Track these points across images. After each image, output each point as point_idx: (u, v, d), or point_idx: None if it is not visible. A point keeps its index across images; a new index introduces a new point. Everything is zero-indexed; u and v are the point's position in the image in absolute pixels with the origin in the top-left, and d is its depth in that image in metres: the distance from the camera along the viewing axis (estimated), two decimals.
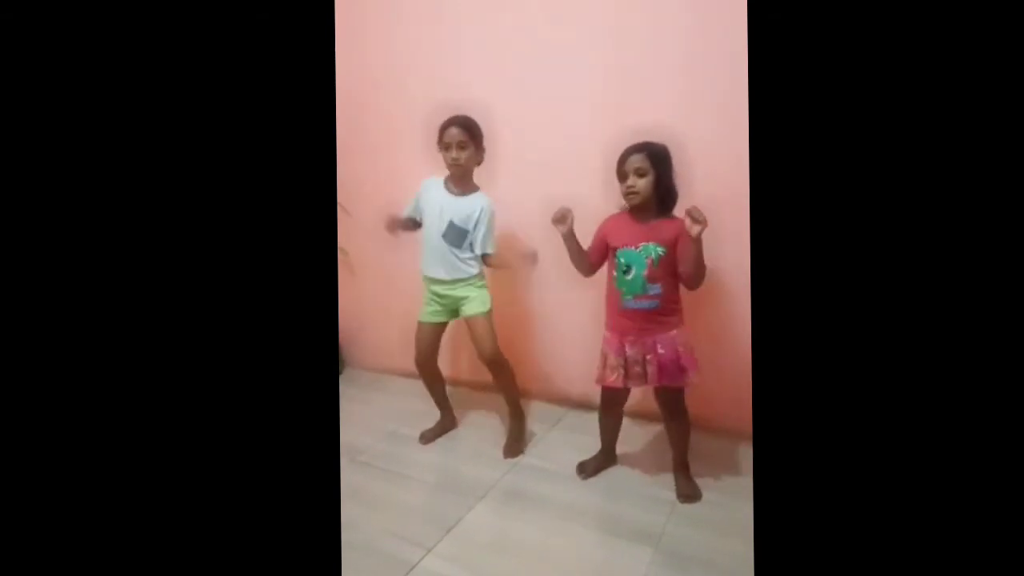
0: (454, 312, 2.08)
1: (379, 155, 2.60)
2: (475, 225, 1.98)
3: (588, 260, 1.82)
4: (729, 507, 1.70)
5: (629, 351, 1.75)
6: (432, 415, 2.25)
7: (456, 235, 1.98)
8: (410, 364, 2.71)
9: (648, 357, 1.73)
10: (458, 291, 2.03)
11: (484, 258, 2.03)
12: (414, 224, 2.08)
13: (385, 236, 2.60)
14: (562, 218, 1.76)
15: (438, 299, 2.06)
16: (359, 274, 2.74)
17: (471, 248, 2.00)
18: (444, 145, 1.95)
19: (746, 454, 1.97)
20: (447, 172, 2.01)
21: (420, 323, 2.11)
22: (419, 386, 2.59)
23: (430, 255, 2.03)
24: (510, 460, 1.99)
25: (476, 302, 2.03)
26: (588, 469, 1.89)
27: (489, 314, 2.05)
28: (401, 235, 2.09)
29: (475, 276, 2.03)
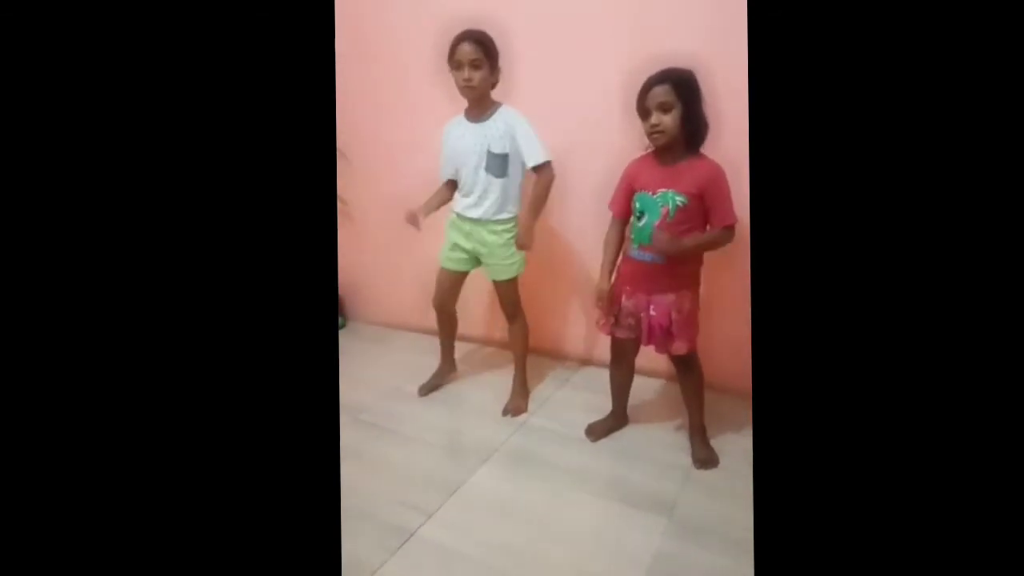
0: (476, 260, 1.93)
1: (379, 94, 2.45)
2: (512, 142, 1.77)
3: (612, 250, 1.70)
4: (748, 475, 1.59)
5: (625, 302, 1.64)
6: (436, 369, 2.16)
7: (497, 163, 1.78)
8: (415, 318, 2.63)
9: (641, 315, 1.62)
10: (488, 236, 1.85)
11: (538, 170, 1.78)
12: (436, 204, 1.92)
13: (388, 183, 2.50)
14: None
15: (463, 241, 1.89)
16: (360, 223, 2.62)
17: (520, 171, 1.81)
18: (455, 64, 1.73)
19: None
20: (453, 105, 1.84)
21: (441, 268, 1.97)
22: (425, 341, 2.51)
23: (469, 195, 1.85)
24: (517, 420, 1.89)
25: (506, 263, 1.88)
26: (597, 431, 1.78)
27: (517, 278, 1.92)
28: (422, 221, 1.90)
29: (511, 221, 1.85)
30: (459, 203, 1.89)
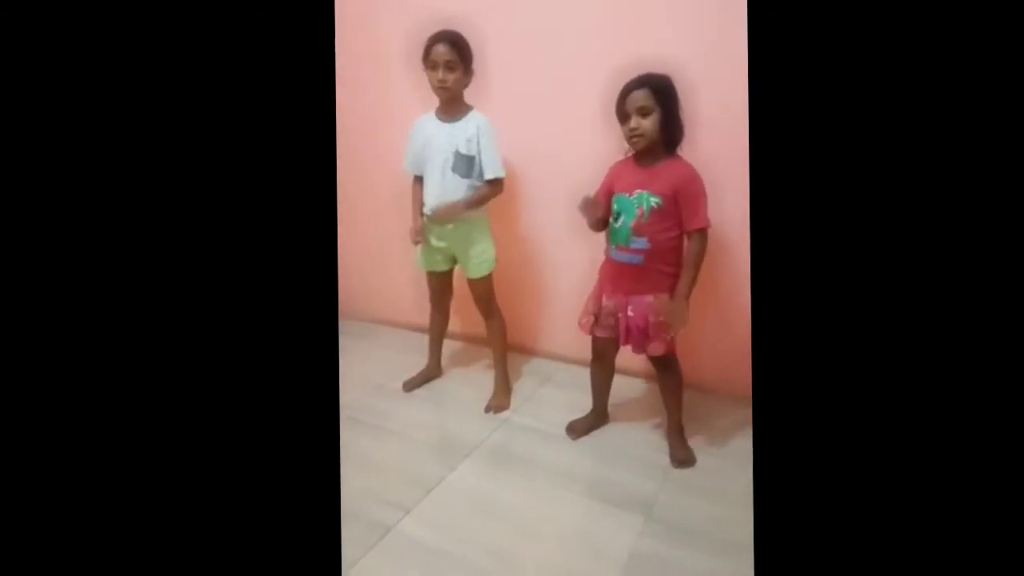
0: (453, 259, 1.95)
1: (368, 91, 2.44)
2: (477, 148, 1.80)
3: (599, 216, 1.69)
4: (727, 474, 1.62)
5: (605, 302, 1.67)
6: (422, 368, 2.17)
7: (464, 164, 1.80)
8: (404, 315, 2.64)
9: (619, 316, 1.64)
10: (460, 235, 1.88)
11: (491, 183, 1.82)
12: None
13: (374, 180, 2.50)
14: (591, 206, 1.63)
15: (436, 241, 1.92)
16: (347, 220, 2.62)
17: (480, 177, 1.83)
18: (430, 64, 1.76)
19: (747, 418, 1.88)
20: (437, 103, 1.85)
21: (427, 272, 2.01)
22: (409, 337, 2.52)
23: (433, 194, 1.86)
24: (498, 417, 1.90)
25: (476, 261, 1.90)
26: (578, 429, 1.80)
27: (490, 275, 1.93)
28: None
29: (479, 221, 1.88)
30: (428, 204, 1.89)
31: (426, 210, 1.90)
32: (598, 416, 1.84)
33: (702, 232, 1.55)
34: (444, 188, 1.83)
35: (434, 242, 1.93)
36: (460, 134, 1.81)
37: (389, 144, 2.40)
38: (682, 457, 1.66)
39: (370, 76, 2.41)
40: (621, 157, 1.67)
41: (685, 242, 1.60)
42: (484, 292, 1.95)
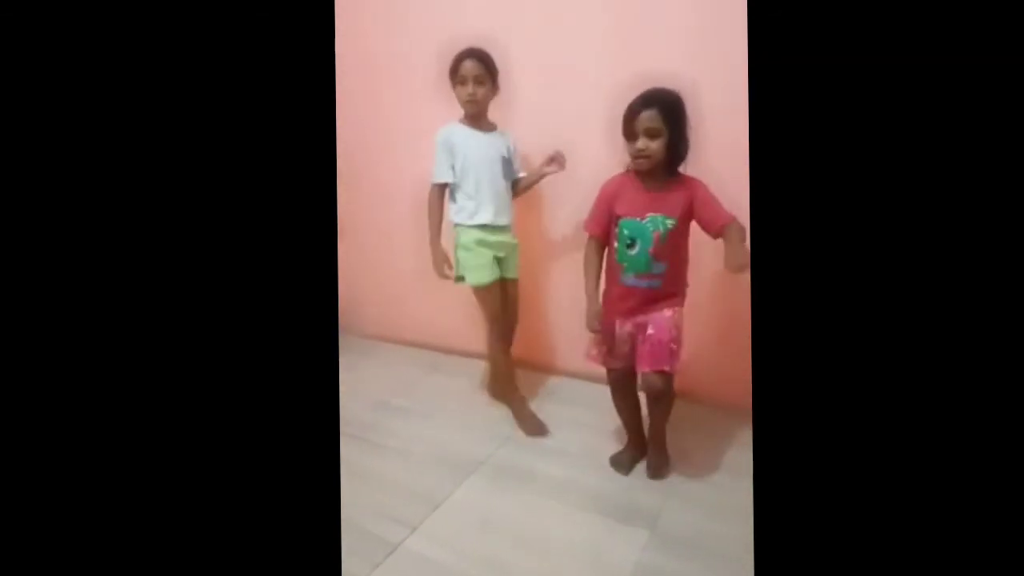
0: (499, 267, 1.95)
1: (370, 110, 2.47)
2: (511, 153, 1.95)
3: (595, 273, 1.65)
4: (731, 489, 1.62)
5: (619, 329, 1.61)
6: (425, 384, 2.17)
7: (508, 169, 1.94)
8: (405, 331, 2.65)
9: (639, 337, 1.57)
10: (508, 238, 1.97)
11: (515, 184, 1.98)
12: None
13: (377, 198, 2.53)
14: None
15: (489, 250, 1.90)
16: (354, 236, 2.63)
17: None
18: (459, 79, 1.82)
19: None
20: (453, 118, 1.91)
21: (484, 286, 1.91)
22: (413, 354, 2.54)
23: (485, 200, 1.88)
24: (502, 434, 1.90)
25: (513, 261, 2.00)
26: (622, 463, 1.70)
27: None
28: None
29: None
30: (479, 215, 1.90)
31: (481, 221, 1.88)
32: (636, 447, 1.73)
33: (734, 221, 1.46)
34: (498, 194, 1.90)
35: (487, 251, 1.91)
36: (500, 141, 1.93)
37: (390, 165, 2.43)
38: (656, 464, 1.66)
39: (369, 88, 2.44)
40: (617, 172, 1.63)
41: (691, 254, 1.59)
42: (517, 294, 2.06)
